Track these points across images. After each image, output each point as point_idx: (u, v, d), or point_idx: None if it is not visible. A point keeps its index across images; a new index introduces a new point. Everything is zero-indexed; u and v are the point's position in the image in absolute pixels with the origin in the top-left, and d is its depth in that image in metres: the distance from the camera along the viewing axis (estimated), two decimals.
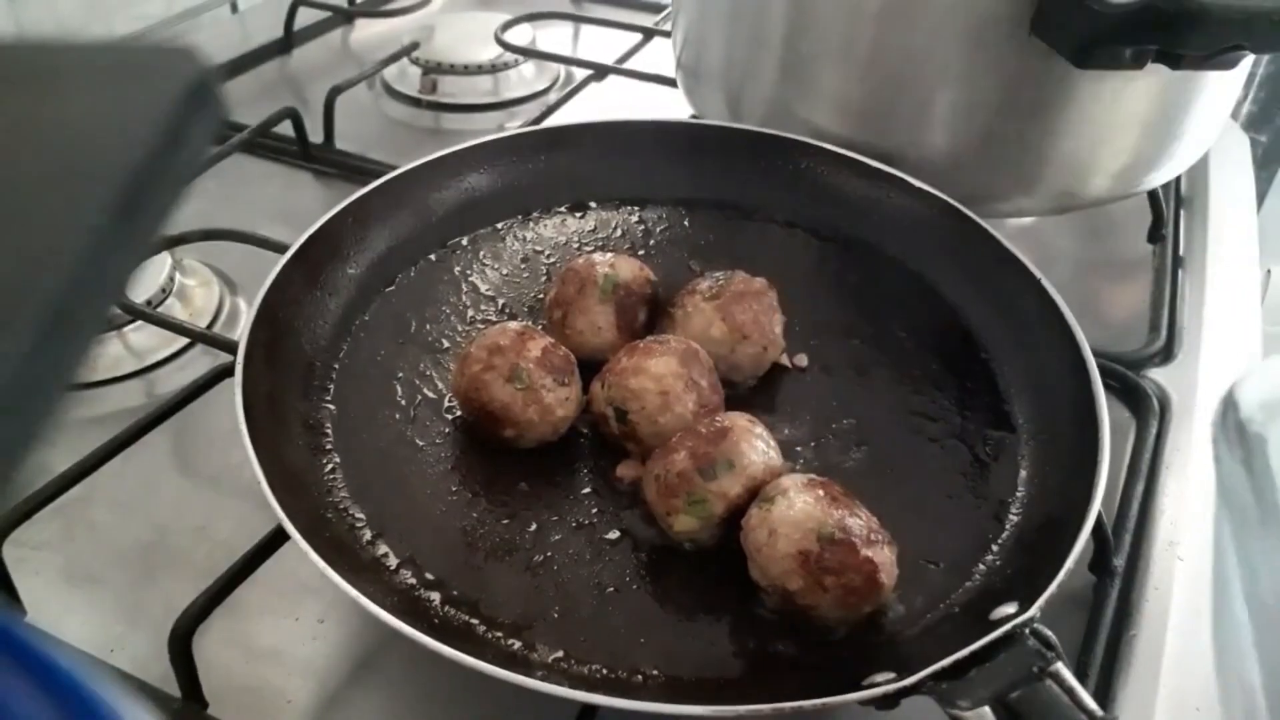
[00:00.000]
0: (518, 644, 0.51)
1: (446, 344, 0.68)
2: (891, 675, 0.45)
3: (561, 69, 1.17)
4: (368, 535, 0.55)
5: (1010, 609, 0.47)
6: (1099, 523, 0.56)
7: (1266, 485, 0.42)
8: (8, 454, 0.16)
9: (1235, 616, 0.42)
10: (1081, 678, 0.52)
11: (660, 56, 1.00)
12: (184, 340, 0.74)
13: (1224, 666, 0.45)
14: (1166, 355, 0.77)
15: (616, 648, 0.51)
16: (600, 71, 1.10)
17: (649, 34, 1.18)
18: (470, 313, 0.71)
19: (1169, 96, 0.75)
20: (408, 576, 0.53)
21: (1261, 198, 1.39)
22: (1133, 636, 0.57)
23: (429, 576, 0.54)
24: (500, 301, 0.72)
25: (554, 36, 1.22)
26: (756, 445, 0.55)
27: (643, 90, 1.04)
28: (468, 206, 0.78)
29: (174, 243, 0.77)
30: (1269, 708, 0.40)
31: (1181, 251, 0.90)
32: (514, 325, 0.61)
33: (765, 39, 0.80)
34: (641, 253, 0.77)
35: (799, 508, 0.50)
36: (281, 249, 0.67)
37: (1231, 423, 0.45)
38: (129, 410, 0.68)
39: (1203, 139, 0.82)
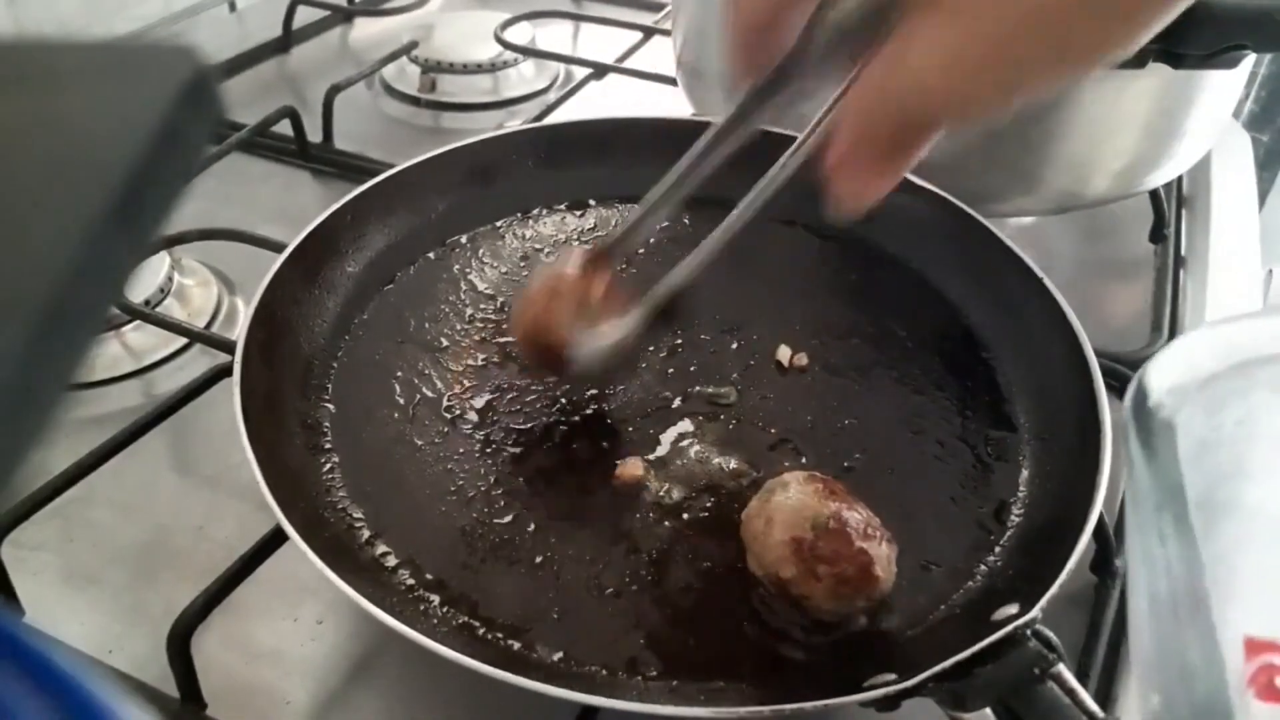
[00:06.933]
0: (517, 645, 0.50)
1: (446, 343, 0.68)
2: (892, 676, 0.45)
3: (561, 68, 1.16)
4: (366, 535, 0.55)
5: (1012, 610, 0.46)
6: (1100, 523, 0.56)
7: (1171, 471, 0.40)
8: (6, 455, 0.15)
9: (1139, 609, 0.41)
10: (1083, 679, 0.52)
11: (660, 55, 0.99)
12: (182, 340, 0.74)
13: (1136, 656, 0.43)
14: None
15: (617, 649, 0.51)
16: (600, 70, 1.10)
17: (649, 32, 1.17)
18: (469, 311, 0.71)
19: (1170, 96, 0.75)
20: (407, 577, 0.53)
21: (1264, 197, 1.39)
22: None
23: (428, 577, 0.53)
24: (500, 300, 0.72)
25: (554, 35, 1.22)
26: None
27: (643, 89, 1.04)
28: (467, 204, 0.77)
29: (172, 242, 0.77)
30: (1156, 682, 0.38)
31: (1183, 251, 0.89)
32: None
33: None
34: (641, 251, 0.77)
35: (796, 498, 0.51)
36: (280, 248, 0.67)
37: (1141, 410, 0.43)
38: (127, 410, 0.68)
39: (1204, 139, 0.81)
